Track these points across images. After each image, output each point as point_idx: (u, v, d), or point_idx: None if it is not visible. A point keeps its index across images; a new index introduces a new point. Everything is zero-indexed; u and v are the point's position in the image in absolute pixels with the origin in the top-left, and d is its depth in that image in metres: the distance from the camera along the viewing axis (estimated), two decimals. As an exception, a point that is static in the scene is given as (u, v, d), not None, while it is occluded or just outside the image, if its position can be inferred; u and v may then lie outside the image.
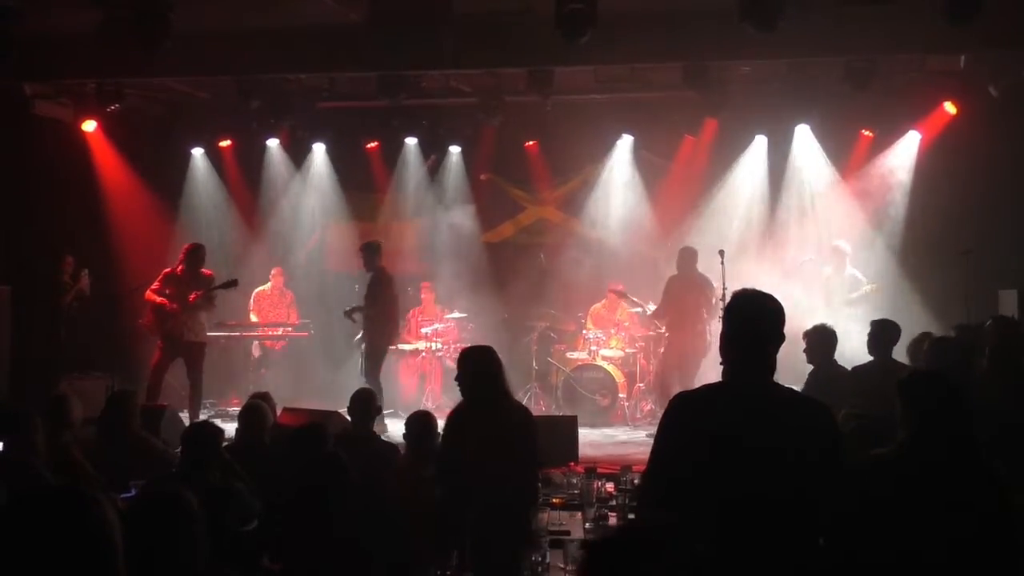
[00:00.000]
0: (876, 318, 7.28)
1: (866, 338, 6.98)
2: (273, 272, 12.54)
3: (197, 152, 13.05)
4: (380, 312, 10.53)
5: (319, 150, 13.13)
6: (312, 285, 12.97)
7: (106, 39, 9.33)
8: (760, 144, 12.26)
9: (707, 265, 10.41)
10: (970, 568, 3.42)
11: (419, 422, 5.69)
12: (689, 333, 10.35)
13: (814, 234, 11.95)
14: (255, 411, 6.27)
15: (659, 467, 3.28)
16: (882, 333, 6.92)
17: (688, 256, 10.57)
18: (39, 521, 2.35)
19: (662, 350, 10.93)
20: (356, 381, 9.62)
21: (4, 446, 5.67)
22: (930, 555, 3.42)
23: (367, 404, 6.38)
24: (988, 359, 6.28)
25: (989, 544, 3.43)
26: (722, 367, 3.32)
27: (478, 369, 5.35)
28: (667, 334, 10.78)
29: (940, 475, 3.54)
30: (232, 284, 10.33)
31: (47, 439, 5.86)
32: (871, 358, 6.92)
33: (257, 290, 12.40)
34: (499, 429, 5.17)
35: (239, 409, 6.59)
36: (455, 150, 13.00)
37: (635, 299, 11.16)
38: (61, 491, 2.54)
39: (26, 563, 2.30)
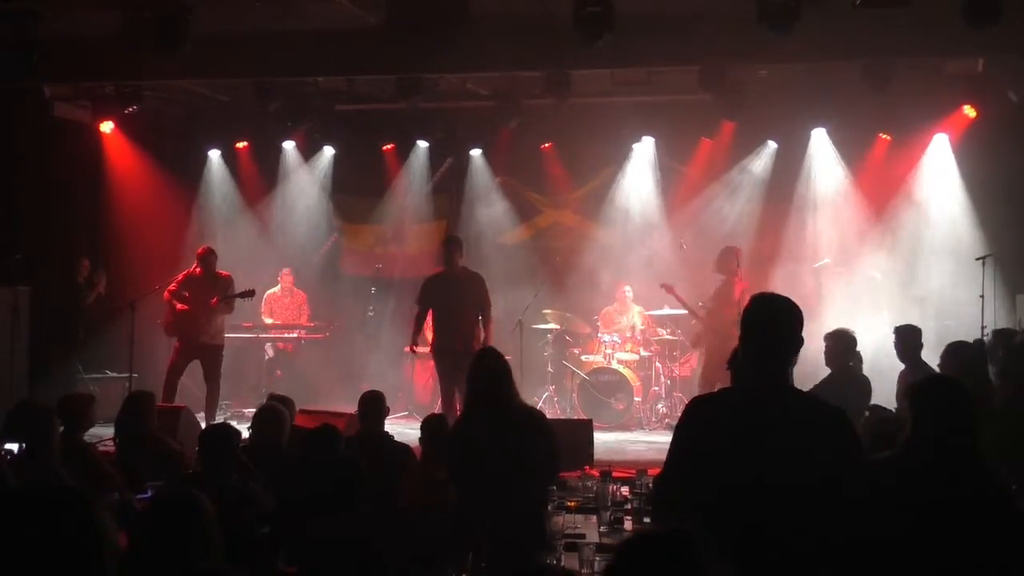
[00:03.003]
0: (899, 324, 7.26)
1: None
2: (282, 273, 12.57)
3: (214, 154, 13.10)
4: None
5: (333, 153, 13.15)
6: (327, 288, 13.00)
7: (126, 42, 9.41)
8: (772, 148, 12.22)
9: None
10: (961, 570, 3.39)
11: (434, 424, 5.71)
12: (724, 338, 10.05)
13: (831, 237, 11.89)
14: (270, 413, 6.28)
15: (675, 470, 3.28)
16: (908, 338, 6.93)
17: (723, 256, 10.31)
18: (27, 519, 2.33)
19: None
20: (369, 383, 9.62)
21: (22, 445, 5.71)
22: (921, 556, 3.39)
23: (377, 405, 6.41)
24: (1002, 364, 6.26)
25: (979, 546, 3.40)
26: (733, 371, 3.32)
27: (488, 371, 5.38)
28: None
29: (930, 476, 3.50)
30: (249, 294, 10.40)
31: (64, 438, 5.90)
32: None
33: (268, 292, 12.43)
34: (510, 431, 5.18)
35: (254, 411, 6.61)
36: (474, 153, 13.01)
37: (683, 298, 10.69)
38: (54, 491, 2.52)
39: (9, 560, 2.29)
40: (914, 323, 7.42)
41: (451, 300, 9.34)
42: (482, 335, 9.31)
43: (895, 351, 7.01)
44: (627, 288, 11.86)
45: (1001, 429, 5.04)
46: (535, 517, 4.70)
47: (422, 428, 5.71)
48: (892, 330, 7.34)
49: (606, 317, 11.88)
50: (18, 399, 9.21)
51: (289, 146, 13.09)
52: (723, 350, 9.91)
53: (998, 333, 7.45)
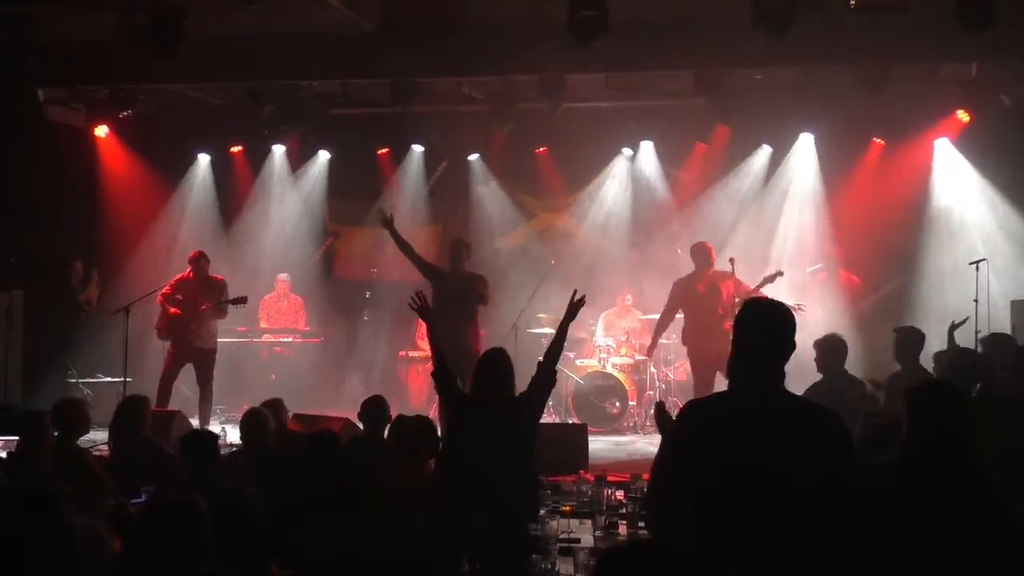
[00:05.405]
0: (899, 326, 7.24)
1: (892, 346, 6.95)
2: (277, 278, 12.56)
3: (204, 158, 13.05)
4: None
5: (326, 157, 13.14)
6: (321, 292, 12.98)
7: (121, 45, 9.39)
8: (767, 152, 12.24)
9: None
10: (956, 575, 3.39)
11: (415, 426, 5.68)
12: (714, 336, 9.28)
13: (825, 240, 11.90)
14: (251, 416, 6.26)
15: (668, 474, 3.28)
16: (908, 340, 6.92)
17: (697, 252, 10.00)
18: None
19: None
20: (364, 387, 9.61)
21: (16, 448, 5.70)
22: (916, 560, 3.39)
23: (380, 410, 6.40)
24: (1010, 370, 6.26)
25: (974, 551, 3.40)
26: (728, 376, 3.32)
27: (502, 372, 5.36)
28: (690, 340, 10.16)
29: (926, 480, 3.51)
30: (242, 301, 10.29)
31: (58, 444, 5.89)
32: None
33: (264, 297, 12.43)
34: (509, 431, 5.18)
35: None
36: (469, 157, 13.01)
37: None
38: (18, 492, 2.50)
39: None
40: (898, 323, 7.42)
41: (451, 302, 9.16)
42: (477, 340, 9.24)
43: (893, 352, 6.95)
44: (628, 297, 11.87)
45: (1000, 433, 5.04)
46: (530, 518, 4.70)
47: (406, 430, 5.64)
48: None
49: (607, 320, 11.87)
50: (11, 403, 9.22)
51: (279, 150, 13.05)
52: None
53: (995, 339, 7.44)
